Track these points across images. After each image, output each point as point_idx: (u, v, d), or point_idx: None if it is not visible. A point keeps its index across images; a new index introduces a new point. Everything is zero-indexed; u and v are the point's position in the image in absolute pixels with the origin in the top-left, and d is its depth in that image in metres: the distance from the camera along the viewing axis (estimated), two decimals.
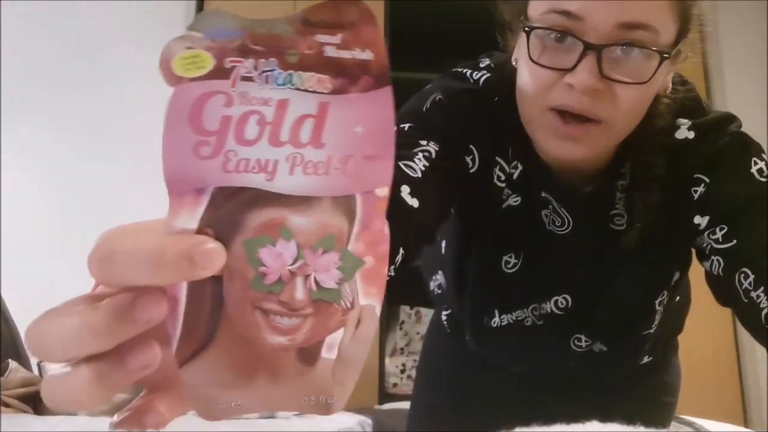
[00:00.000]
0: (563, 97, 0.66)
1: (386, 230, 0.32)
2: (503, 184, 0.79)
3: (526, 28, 0.67)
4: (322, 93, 0.31)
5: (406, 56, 2.82)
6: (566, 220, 0.79)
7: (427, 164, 0.68)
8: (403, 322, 2.40)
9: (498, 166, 0.79)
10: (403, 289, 0.66)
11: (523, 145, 0.77)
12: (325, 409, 0.34)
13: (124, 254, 0.30)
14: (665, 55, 0.66)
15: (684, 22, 0.71)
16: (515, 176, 0.79)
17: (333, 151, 0.31)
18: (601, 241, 0.79)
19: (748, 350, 2.34)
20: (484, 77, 0.79)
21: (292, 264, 0.31)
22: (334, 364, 0.33)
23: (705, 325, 2.36)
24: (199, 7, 2.56)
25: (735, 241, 0.70)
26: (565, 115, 0.67)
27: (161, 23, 2.51)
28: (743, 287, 0.68)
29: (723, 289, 0.72)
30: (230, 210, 0.31)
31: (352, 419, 1.49)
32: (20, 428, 1.08)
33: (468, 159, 0.76)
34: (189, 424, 1.21)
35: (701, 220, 0.73)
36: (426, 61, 3.05)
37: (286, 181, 0.30)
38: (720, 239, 0.71)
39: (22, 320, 1.54)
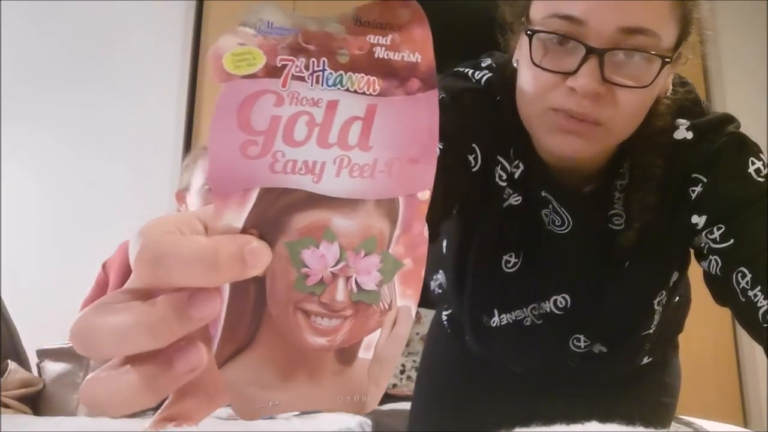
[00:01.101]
0: (564, 100, 0.66)
1: (425, 233, 0.32)
2: (504, 183, 0.80)
3: (529, 32, 0.68)
4: (371, 95, 0.30)
5: None
6: (566, 219, 0.80)
7: None
8: None
9: (500, 165, 0.79)
10: None
11: (524, 145, 0.77)
12: (360, 407, 0.34)
13: (176, 256, 0.30)
14: (666, 60, 0.66)
15: (685, 25, 0.71)
16: (516, 176, 0.79)
17: (379, 154, 0.31)
18: (599, 240, 0.79)
19: (748, 350, 2.34)
20: (486, 77, 0.79)
21: (335, 266, 0.31)
22: (370, 364, 0.34)
23: (705, 326, 2.36)
24: (199, 7, 2.56)
25: (732, 241, 0.70)
26: (563, 113, 0.67)
27: (161, 23, 2.52)
28: (741, 286, 0.69)
29: (721, 289, 0.73)
30: (276, 211, 0.31)
31: (352, 420, 1.49)
32: (21, 428, 1.08)
33: (471, 158, 0.76)
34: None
35: (699, 220, 0.74)
36: None
37: (333, 184, 0.30)
38: (717, 239, 0.71)
39: (21, 320, 1.53)
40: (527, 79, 0.70)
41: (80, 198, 2.34)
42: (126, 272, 1.64)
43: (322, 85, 0.30)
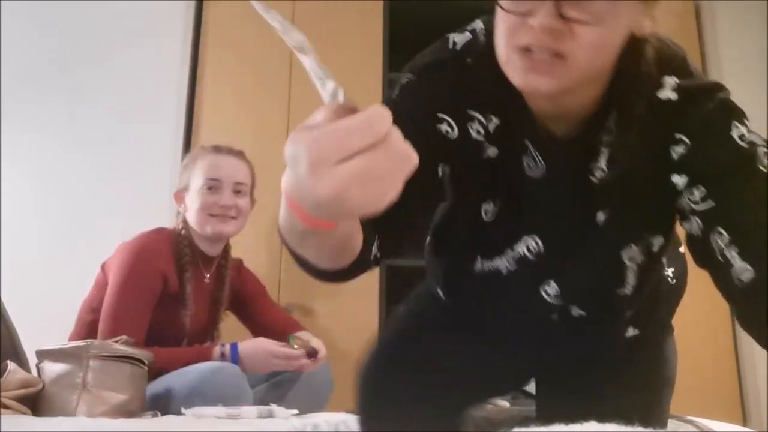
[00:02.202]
0: (527, 37, 0.71)
1: None
2: (482, 138, 0.84)
3: None
4: None
5: (405, 56, 2.82)
6: (540, 163, 0.83)
7: None
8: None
9: (476, 121, 0.83)
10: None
11: (503, 99, 0.81)
12: None
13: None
14: None
15: None
16: (491, 129, 0.83)
17: None
18: (576, 187, 0.82)
19: (747, 350, 2.34)
20: (465, 40, 0.85)
21: None
22: None
23: (704, 326, 2.36)
24: (199, 7, 2.56)
25: (713, 203, 0.73)
26: (531, 53, 0.71)
27: (161, 24, 2.52)
28: (718, 246, 0.71)
29: (700, 250, 0.75)
30: None
31: (351, 418, 1.49)
32: (20, 428, 1.08)
33: (443, 127, 0.80)
34: (189, 424, 1.20)
35: (679, 180, 0.76)
36: None
37: None
38: (699, 201, 0.74)
39: (21, 321, 1.53)
40: (499, 26, 0.75)
41: (80, 199, 2.34)
42: (125, 273, 1.64)
43: None
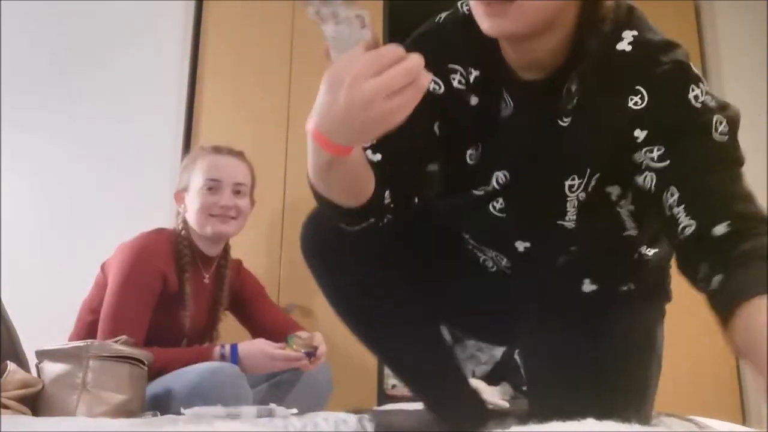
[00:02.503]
0: None
1: None
2: (463, 87, 0.96)
3: None
4: None
5: None
6: (509, 104, 0.94)
7: None
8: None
9: (457, 73, 0.96)
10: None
11: (481, 53, 0.93)
12: None
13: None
14: None
15: None
16: (471, 80, 0.96)
17: None
18: (544, 128, 0.91)
19: None
20: (447, 14, 0.99)
21: None
22: None
23: (704, 326, 2.36)
24: (199, 7, 2.56)
25: (668, 162, 0.82)
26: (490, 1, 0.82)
27: (161, 24, 2.52)
28: (668, 203, 0.81)
29: (651, 203, 0.84)
30: None
31: (351, 418, 1.49)
32: (20, 429, 1.08)
33: (431, 86, 0.93)
34: (189, 424, 1.19)
35: (640, 134, 0.85)
36: None
37: None
38: (656, 158, 0.83)
39: (21, 321, 1.53)
40: None
41: (80, 199, 2.34)
42: (125, 273, 1.64)
43: None
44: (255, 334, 1.95)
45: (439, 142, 0.98)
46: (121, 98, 2.44)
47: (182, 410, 1.30)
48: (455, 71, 0.96)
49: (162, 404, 1.45)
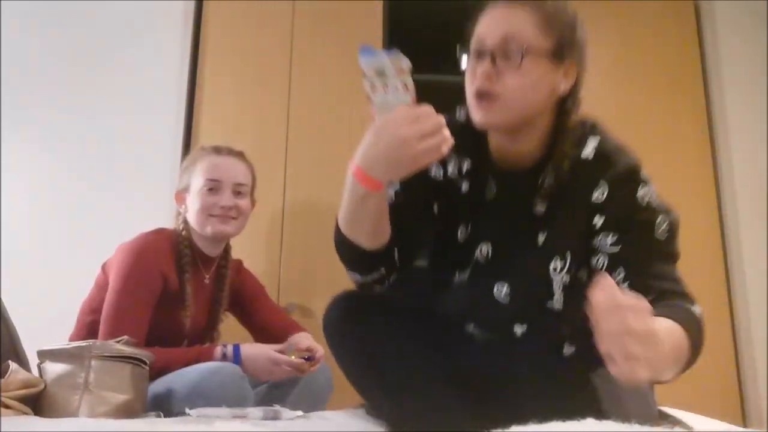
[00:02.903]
0: (477, 82, 1.07)
1: None
2: (456, 175, 1.17)
3: (462, 53, 1.12)
4: None
5: (404, 56, 2.82)
6: (493, 189, 1.15)
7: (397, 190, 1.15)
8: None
9: (452, 162, 1.18)
10: None
11: (473, 146, 1.16)
12: None
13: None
14: (533, 54, 1.05)
15: (556, 39, 1.08)
16: (464, 168, 1.17)
17: None
18: (520, 210, 1.11)
19: (747, 352, 2.34)
20: (446, 115, 1.09)
21: None
22: None
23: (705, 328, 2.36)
24: (198, 7, 2.56)
25: (619, 248, 1.06)
26: (480, 96, 1.06)
27: (161, 24, 2.52)
28: (616, 281, 0.95)
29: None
30: None
31: (353, 419, 1.49)
32: (21, 429, 1.08)
33: (432, 171, 1.18)
34: (193, 425, 1.19)
35: (599, 221, 1.08)
36: (425, 62, 3.06)
37: None
38: (609, 244, 1.06)
39: (21, 321, 1.53)
40: (466, 80, 1.11)
41: (79, 199, 2.34)
42: (126, 273, 1.64)
43: None
44: (255, 334, 1.95)
45: (436, 220, 1.19)
46: (121, 98, 2.44)
47: (188, 410, 1.30)
48: (451, 161, 1.18)
49: (163, 404, 1.46)
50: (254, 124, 2.44)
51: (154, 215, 2.25)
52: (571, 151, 1.09)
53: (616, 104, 2.58)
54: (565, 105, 1.11)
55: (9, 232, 2.27)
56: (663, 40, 2.65)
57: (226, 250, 1.89)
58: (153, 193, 2.32)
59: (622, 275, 1.04)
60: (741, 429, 1.30)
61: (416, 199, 1.15)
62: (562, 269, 1.10)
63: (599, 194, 1.08)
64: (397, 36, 2.64)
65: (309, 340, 1.83)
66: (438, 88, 2.75)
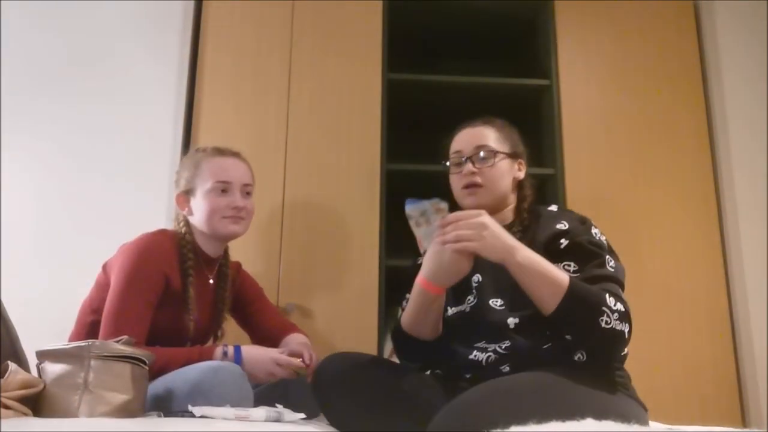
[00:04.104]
0: (464, 180, 1.56)
1: None
2: None
3: (446, 163, 1.64)
4: None
5: (404, 56, 2.83)
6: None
7: None
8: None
9: None
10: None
11: None
12: None
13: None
14: (498, 153, 1.57)
15: (510, 143, 1.61)
16: None
17: None
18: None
19: (747, 353, 2.34)
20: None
21: None
22: None
23: (704, 327, 2.36)
24: (198, 8, 2.56)
25: (578, 275, 1.36)
26: (469, 187, 1.55)
27: (160, 25, 2.51)
28: None
29: None
30: None
31: None
32: (21, 429, 1.08)
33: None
34: (195, 425, 1.19)
35: (564, 242, 1.43)
36: (425, 62, 3.06)
37: None
38: (572, 271, 1.38)
39: (21, 321, 1.53)
40: (452, 183, 1.62)
41: (79, 199, 2.34)
42: (128, 273, 1.64)
43: None
44: (254, 335, 1.95)
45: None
46: (121, 97, 2.44)
47: (190, 407, 1.30)
48: None
49: (163, 403, 1.45)
50: (254, 124, 2.43)
51: (154, 215, 2.25)
52: (539, 209, 1.55)
53: (615, 104, 2.58)
54: (523, 186, 1.61)
55: (8, 231, 2.27)
56: (662, 40, 2.65)
57: (225, 250, 1.89)
58: (153, 193, 2.32)
59: None
60: (741, 429, 1.30)
61: None
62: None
63: (562, 225, 1.45)
64: (397, 36, 2.64)
65: (304, 342, 1.84)
66: (438, 88, 2.75)
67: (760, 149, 2.52)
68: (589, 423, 0.60)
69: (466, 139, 1.59)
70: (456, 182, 1.58)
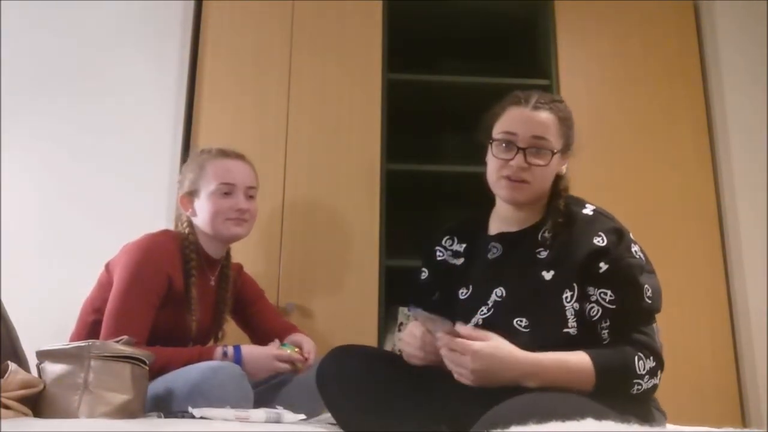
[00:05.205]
0: (509, 172, 1.36)
1: None
2: (445, 257, 1.51)
3: (491, 140, 1.41)
4: None
5: (404, 57, 2.83)
6: (499, 248, 1.43)
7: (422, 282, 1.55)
8: (401, 323, 2.40)
9: (449, 252, 1.52)
10: None
11: (471, 232, 1.51)
12: None
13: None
14: (555, 152, 1.37)
15: (565, 138, 1.40)
16: (461, 250, 1.50)
17: None
18: (527, 259, 1.36)
19: (747, 355, 2.34)
20: (454, 223, 1.56)
21: None
22: None
23: (704, 327, 2.36)
24: (198, 8, 2.56)
25: (614, 307, 1.26)
26: (510, 180, 1.36)
27: (160, 25, 2.51)
28: (600, 327, 1.27)
29: (588, 324, 1.27)
30: None
31: None
32: (22, 429, 1.08)
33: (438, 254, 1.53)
34: (195, 425, 1.20)
35: (603, 266, 1.27)
36: (425, 62, 3.06)
37: None
38: (607, 301, 1.26)
39: (21, 321, 1.53)
40: (491, 164, 1.41)
41: (80, 200, 2.34)
42: (131, 273, 1.64)
43: None
44: (254, 336, 1.95)
45: (440, 289, 1.50)
46: (121, 98, 2.44)
47: (190, 409, 1.30)
48: (449, 250, 1.51)
49: (163, 403, 1.46)
50: (254, 124, 2.43)
51: (153, 215, 2.25)
52: (569, 210, 1.37)
53: (615, 104, 2.58)
54: (560, 180, 1.42)
55: (9, 231, 2.27)
56: (662, 40, 2.65)
57: (228, 251, 1.90)
58: (153, 193, 2.32)
59: (607, 323, 1.26)
60: (741, 429, 1.30)
61: (436, 280, 1.52)
62: (572, 298, 1.28)
63: (599, 241, 1.28)
64: (397, 36, 2.64)
65: (306, 341, 1.84)
66: (438, 88, 2.75)
67: (760, 149, 2.52)
68: (589, 423, 0.60)
69: (524, 121, 1.36)
70: (496, 167, 1.37)
